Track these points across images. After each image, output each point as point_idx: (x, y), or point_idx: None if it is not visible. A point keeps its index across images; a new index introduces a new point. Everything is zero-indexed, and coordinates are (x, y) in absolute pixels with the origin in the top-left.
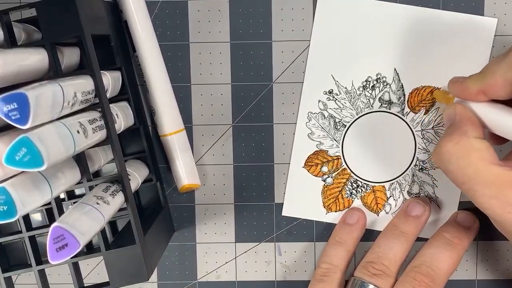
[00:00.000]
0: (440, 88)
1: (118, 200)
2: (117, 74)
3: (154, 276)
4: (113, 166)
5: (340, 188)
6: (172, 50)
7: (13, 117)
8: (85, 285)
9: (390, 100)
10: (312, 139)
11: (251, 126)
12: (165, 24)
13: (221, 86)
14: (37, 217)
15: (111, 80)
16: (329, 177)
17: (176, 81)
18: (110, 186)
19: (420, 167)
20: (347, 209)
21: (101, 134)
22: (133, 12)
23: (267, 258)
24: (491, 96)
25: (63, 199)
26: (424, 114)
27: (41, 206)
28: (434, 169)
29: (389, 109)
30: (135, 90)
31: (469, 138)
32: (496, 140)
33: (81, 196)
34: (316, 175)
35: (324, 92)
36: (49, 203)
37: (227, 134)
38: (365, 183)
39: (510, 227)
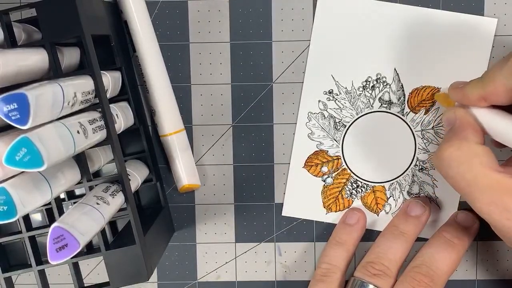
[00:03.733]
0: (440, 88)
1: (118, 200)
2: (117, 74)
3: (154, 276)
4: (113, 166)
5: (340, 188)
6: (172, 50)
7: (13, 117)
8: (85, 285)
9: (390, 100)
10: (312, 139)
11: (251, 126)
12: (165, 24)
13: (221, 86)
14: (37, 217)
15: (111, 80)
16: (329, 177)
17: (176, 81)
18: (110, 186)
19: (420, 167)
20: (347, 209)
21: (101, 134)
22: (133, 12)
23: (267, 258)
24: (492, 102)
25: (63, 199)
26: (424, 114)
27: (41, 206)
28: (434, 169)
29: (389, 109)
30: (135, 90)
31: (469, 143)
32: (497, 142)
33: (81, 196)
34: (316, 175)
35: (324, 92)
36: (49, 203)
37: (227, 134)
38: (365, 183)
39: (508, 233)
